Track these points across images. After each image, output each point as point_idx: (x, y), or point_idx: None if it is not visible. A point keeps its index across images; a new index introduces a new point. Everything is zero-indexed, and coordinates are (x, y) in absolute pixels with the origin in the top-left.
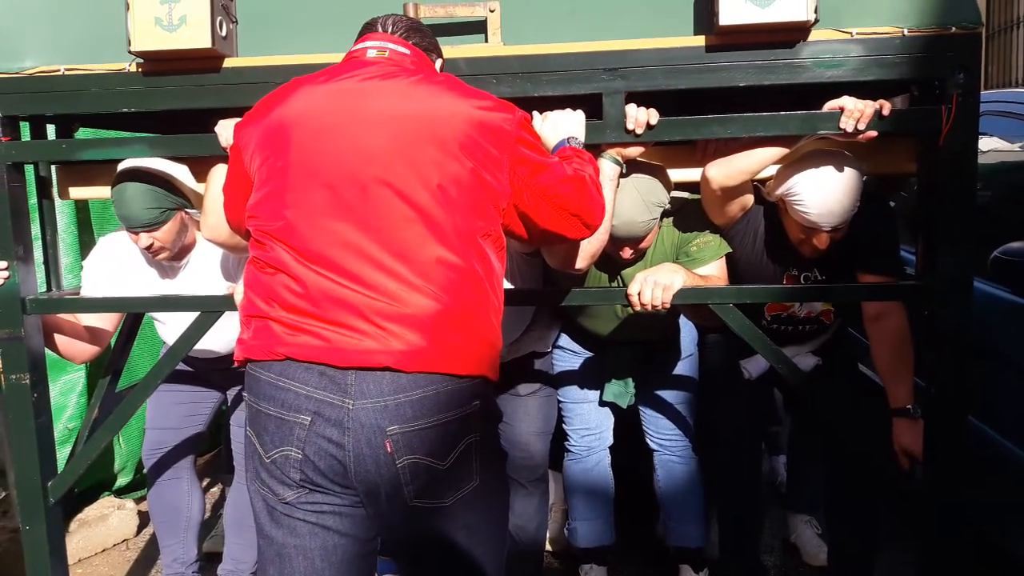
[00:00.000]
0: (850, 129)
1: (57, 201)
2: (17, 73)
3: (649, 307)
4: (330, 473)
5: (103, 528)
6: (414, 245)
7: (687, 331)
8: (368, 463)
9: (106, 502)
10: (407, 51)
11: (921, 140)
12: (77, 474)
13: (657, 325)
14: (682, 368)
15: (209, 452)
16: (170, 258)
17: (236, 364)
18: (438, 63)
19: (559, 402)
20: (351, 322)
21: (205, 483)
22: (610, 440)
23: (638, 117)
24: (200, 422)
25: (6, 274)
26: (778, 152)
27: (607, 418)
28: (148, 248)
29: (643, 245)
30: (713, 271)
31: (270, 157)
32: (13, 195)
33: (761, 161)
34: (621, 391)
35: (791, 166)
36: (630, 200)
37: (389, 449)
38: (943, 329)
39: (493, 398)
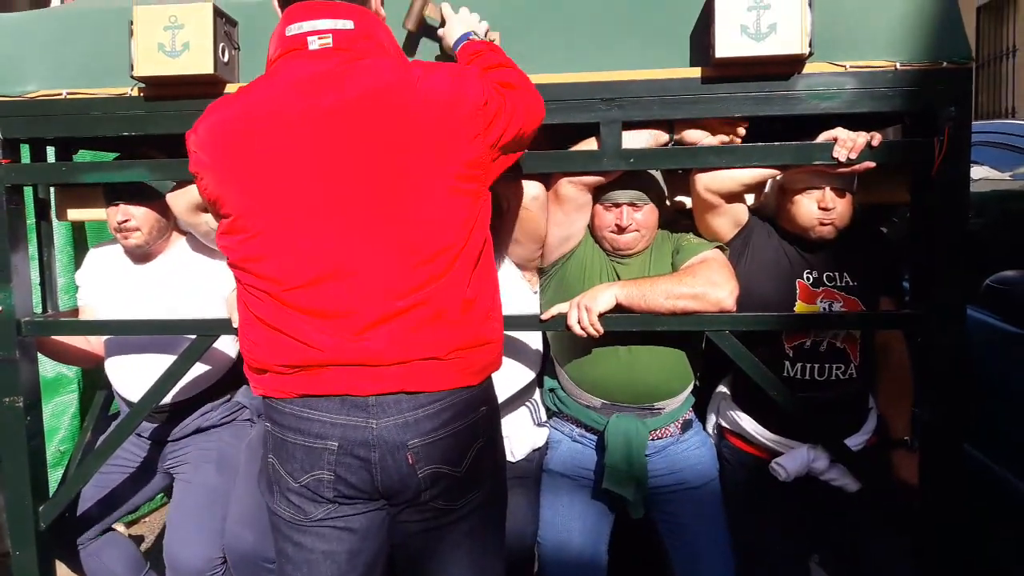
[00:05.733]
0: (843, 159)
1: (54, 222)
2: (19, 97)
3: (579, 330)
4: (360, 484)
5: None
6: (407, 269)
7: (706, 451)
8: (392, 473)
9: None
10: (351, 24)
11: (914, 171)
12: (69, 499)
13: (662, 370)
14: (707, 495)
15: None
16: (142, 252)
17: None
18: (374, 2)
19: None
20: (365, 359)
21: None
22: None
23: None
24: (130, 497)
25: None
26: (768, 171)
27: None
28: (122, 224)
29: (640, 219)
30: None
31: (237, 200)
32: (11, 217)
33: (753, 173)
34: (623, 478)
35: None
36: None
37: (411, 460)
38: (938, 357)
39: (494, 392)
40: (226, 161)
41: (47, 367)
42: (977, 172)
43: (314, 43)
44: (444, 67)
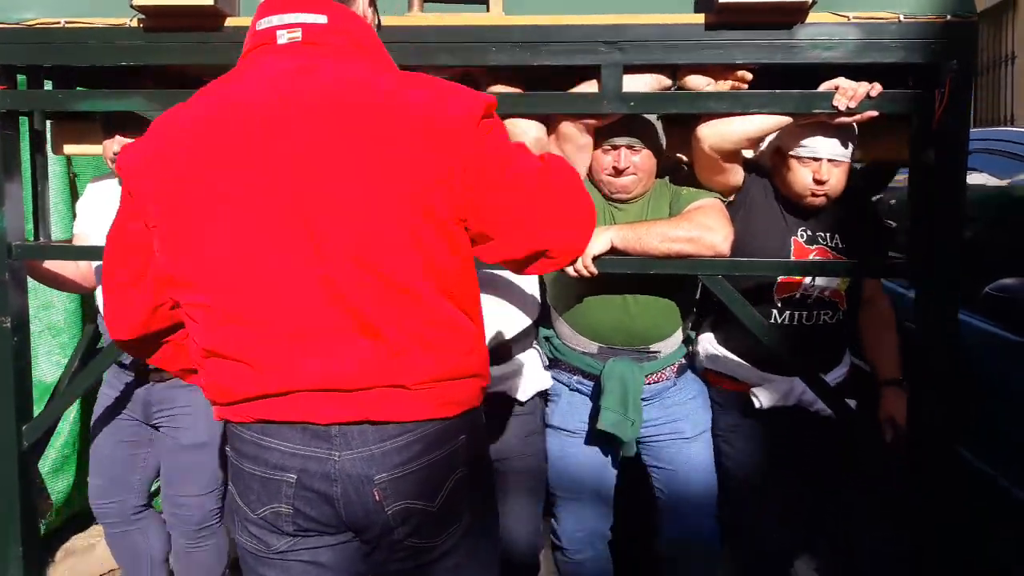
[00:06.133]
0: (843, 107)
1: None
2: (17, 24)
3: (572, 271)
4: (323, 518)
5: (90, 557)
6: (373, 292)
7: (701, 402)
8: (357, 509)
9: (94, 531)
10: (323, 18)
11: (914, 125)
12: (53, 419)
13: (656, 313)
14: (699, 447)
15: None
16: None
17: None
18: (361, 2)
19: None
20: (326, 383)
21: None
22: (607, 535)
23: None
24: (141, 465)
25: None
26: (776, 121)
27: (603, 518)
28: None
29: (637, 163)
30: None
31: (181, 213)
32: (5, 142)
33: (758, 126)
34: (620, 419)
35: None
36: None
37: (378, 497)
38: (932, 305)
39: (480, 416)
40: (174, 169)
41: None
42: (975, 179)
43: (283, 37)
44: (435, 79)
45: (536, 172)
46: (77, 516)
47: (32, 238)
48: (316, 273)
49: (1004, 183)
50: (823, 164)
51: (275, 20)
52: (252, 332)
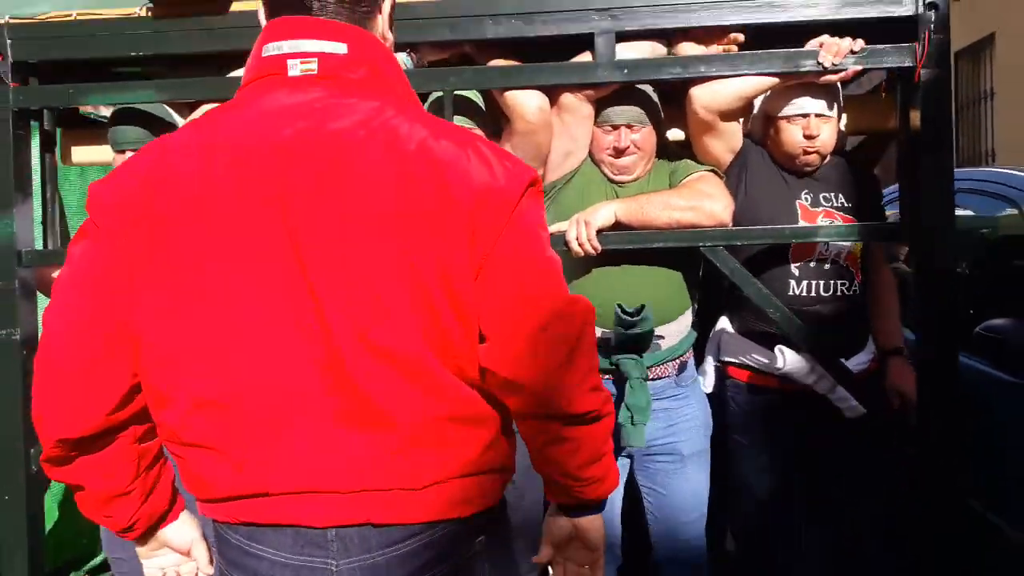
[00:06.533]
0: (828, 63)
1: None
2: (30, 19)
3: (576, 247)
4: None
5: None
6: (372, 375)
7: (702, 419)
8: None
9: None
10: (343, 47)
11: (899, 81)
12: None
13: (660, 290)
14: (694, 468)
15: None
16: None
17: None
18: (381, 23)
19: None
20: (319, 484)
21: None
22: (617, 543)
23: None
24: None
25: None
26: (765, 81)
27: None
28: None
29: (637, 140)
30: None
31: (165, 282)
32: (17, 142)
33: (751, 84)
34: (632, 430)
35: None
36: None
37: None
38: (927, 267)
39: (504, 512)
40: (157, 212)
41: None
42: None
43: (295, 68)
44: (470, 134)
45: (561, 296)
46: (66, 564)
47: (41, 245)
48: (315, 351)
49: (992, 217)
50: (811, 119)
51: (286, 47)
52: (235, 418)
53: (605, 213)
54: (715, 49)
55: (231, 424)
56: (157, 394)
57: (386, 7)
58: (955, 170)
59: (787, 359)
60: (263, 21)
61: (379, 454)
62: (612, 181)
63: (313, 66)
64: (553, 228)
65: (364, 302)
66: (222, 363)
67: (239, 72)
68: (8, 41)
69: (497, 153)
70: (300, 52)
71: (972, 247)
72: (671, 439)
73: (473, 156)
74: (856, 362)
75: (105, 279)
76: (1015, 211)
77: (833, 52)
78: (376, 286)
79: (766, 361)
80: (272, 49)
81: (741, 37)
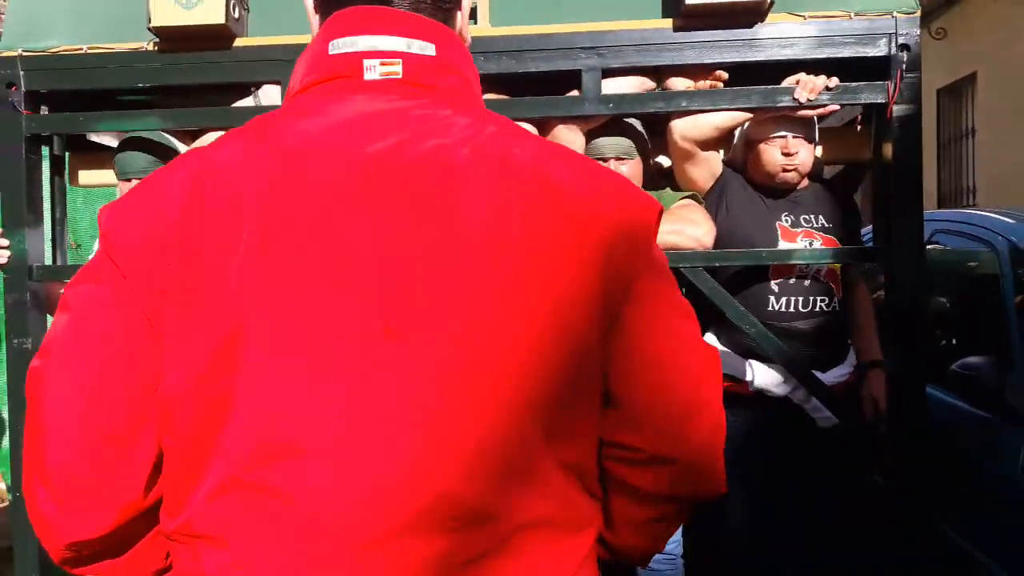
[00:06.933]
0: (803, 99)
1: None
2: (43, 51)
3: None
4: None
5: None
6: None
7: None
8: None
9: None
10: (431, 48)
11: (873, 117)
12: None
13: None
14: None
15: None
16: None
17: None
18: (460, 21)
19: None
20: None
21: None
22: None
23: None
24: None
25: (7, 253)
26: (740, 115)
27: None
28: None
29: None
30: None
31: (212, 330)
32: (29, 165)
33: (727, 117)
34: None
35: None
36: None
37: None
38: (898, 285)
39: None
40: (198, 246)
41: None
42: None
43: (373, 70)
44: (575, 154)
45: (706, 347)
46: None
47: (51, 261)
48: (400, 439)
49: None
50: (789, 139)
51: (362, 43)
52: (288, 511)
53: None
54: (703, 83)
55: (279, 520)
56: (183, 472)
57: (467, 3)
58: (937, 211)
59: (756, 373)
60: (314, 24)
61: (452, 564)
62: None
63: (397, 68)
64: None
65: (471, 372)
66: (275, 446)
67: (245, 101)
68: (22, 72)
69: (614, 177)
70: (380, 51)
71: (952, 284)
72: None
73: (595, 180)
74: (835, 375)
75: (130, 335)
76: (991, 251)
77: (808, 89)
78: (488, 347)
79: (741, 374)
80: (343, 46)
81: (726, 75)
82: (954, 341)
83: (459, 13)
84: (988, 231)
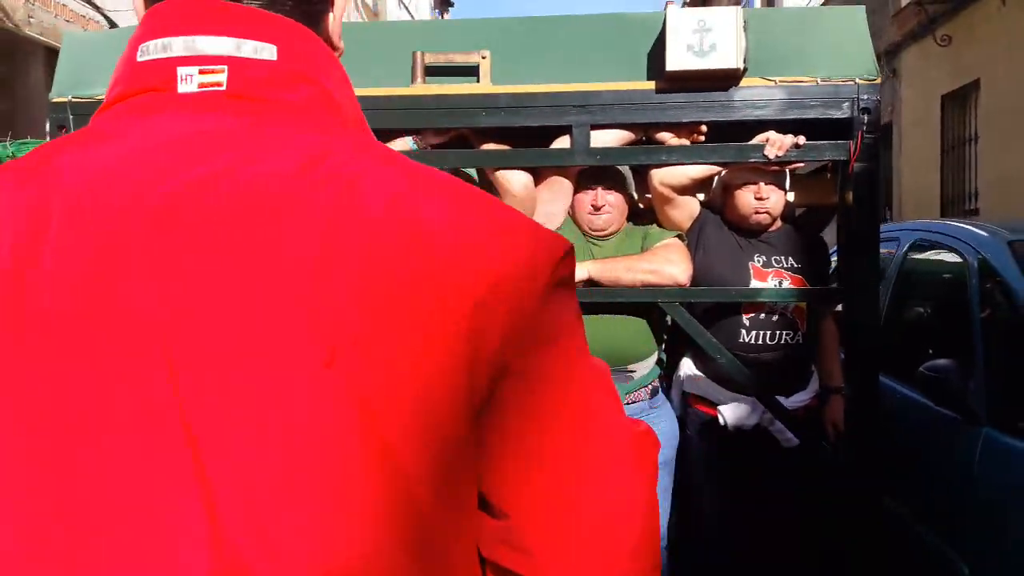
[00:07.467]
0: (772, 155)
1: None
2: (89, 98)
3: None
4: None
5: None
6: None
7: (669, 431)
8: None
9: None
10: (270, 50)
11: (836, 173)
12: None
13: (631, 334)
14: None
15: None
16: None
17: None
18: (331, 24)
19: None
20: None
21: None
22: None
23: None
24: None
25: None
26: (713, 167)
27: None
28: None
29: (612, 201)
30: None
31: None
32: None
33: (700, 169)
34: None
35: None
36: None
37: None
38: (855, 323)
39: None
40: None
41: None
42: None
43: (189, 80)
44: (460, 183)
45: (628, 432)
46: None
47: None
48: (198, 535)
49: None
50: (761, 186)
51: (176, 46)
52: None
53: (580, 272)
54: (685, 138)
55: None
56: None
57: (339, 5)
58: (921, 221)
59: (727, 418)
60: (142, 11)
61: None
62: (590, 239)
63: (220, 77)
64: None
65: (280, 485)
66: (41, 526)
67: None
68: (71, 116)
69: (509, 213)
70: (199, 56)
71: (929, 292)
72: None
73: (477, 218)
74: (797, 399)
75: None
76: (963, 262)
77: (777, 147)
78: (306, 452)
79: (715, 399)
80: (154, 50)
81: (705, 128)
82: (927, 346)
83: (330, 15)
84: (963, 243)
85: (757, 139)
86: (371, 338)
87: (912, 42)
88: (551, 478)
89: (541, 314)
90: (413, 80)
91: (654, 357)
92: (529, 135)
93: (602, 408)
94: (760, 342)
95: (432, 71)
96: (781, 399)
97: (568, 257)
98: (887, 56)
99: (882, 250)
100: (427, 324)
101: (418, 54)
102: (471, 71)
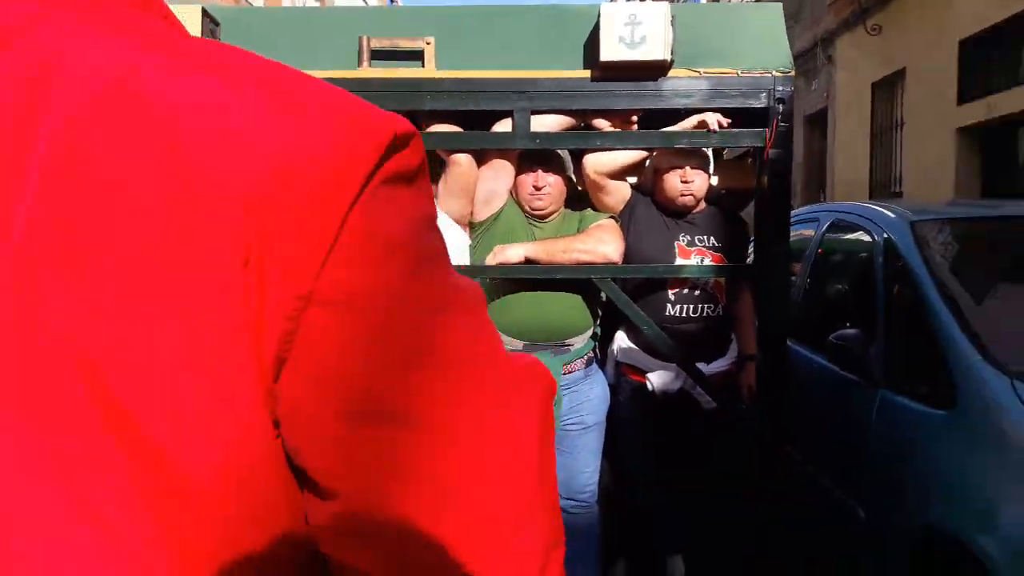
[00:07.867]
0: (715, 128)
1: None
2: None
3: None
4: None
5: None
6: None
7: (601, 395)
8: None
9: None
10: None
11: (754, 158)
12: None
13: (568, 310)
14: (594, 434)
15: None
16: None
17: None
18: None
19: None
20: None
21: None
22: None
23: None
24: None
25: None
26: (640, 154)
27: None
28: None
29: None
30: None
31: None
32: None
33: (629, 156)
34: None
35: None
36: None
37: None
38: (767, 296)
39: None
40: None
41: None
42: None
43: None
44: (269, 63)
45: (484, 351)
46: None
47: None
48: None
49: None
50: (687, 169)
51: None
52: None
53: (516, 252)
54: (619, 124)
55: None
56: None
57: None
58: (840, 203)
59: (655, 384)
60: None
61: None
62: (531, 219)
63: None
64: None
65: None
66: None
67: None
68: None
69: (318, 89)
70: None
71: (844, 269)
72: (579, 413)
73: (260, 95)
74: (717, 366)
75: None
76: (870, 239)
77: (714, 121)
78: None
79: (645, 367)
80: None
81: (635, 118)
82: (840, 318)
83: None
84: (872, 223)
85: (688, 121)
86: (162, 259)
87: (846, 30)
88: (393, 443)
89: (365, 219)
90: (360, 64)
91: (590, 331)
92: (472, 118)
93: (466, 344)
94: (684, 315)
95: (378, 55)
96: (702, 366)
97: (406, 148)
98: (823, 43)
99: (804, 230)
100: (175, 243)
101: (364, 39)
102: (416, 56)
